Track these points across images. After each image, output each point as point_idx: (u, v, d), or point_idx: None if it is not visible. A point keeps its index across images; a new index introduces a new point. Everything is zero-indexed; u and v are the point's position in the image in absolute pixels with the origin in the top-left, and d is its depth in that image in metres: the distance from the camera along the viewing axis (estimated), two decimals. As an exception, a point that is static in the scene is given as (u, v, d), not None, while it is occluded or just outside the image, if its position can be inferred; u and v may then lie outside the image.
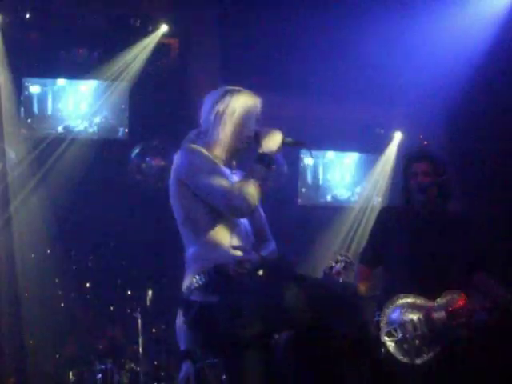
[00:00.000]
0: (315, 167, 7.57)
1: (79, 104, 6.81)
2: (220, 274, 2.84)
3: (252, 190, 2.84)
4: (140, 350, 5.73)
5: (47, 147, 6.60)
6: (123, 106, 6.81)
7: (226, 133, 3.05)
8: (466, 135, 6.58)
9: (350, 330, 2.71)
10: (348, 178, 7.75)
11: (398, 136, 7.60)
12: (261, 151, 2.95)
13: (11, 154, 6.48)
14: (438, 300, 4.06)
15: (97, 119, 6.80)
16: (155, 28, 6.93)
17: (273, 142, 2.99)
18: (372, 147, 7.59)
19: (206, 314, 2.83)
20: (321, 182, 7.63)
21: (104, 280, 6.84)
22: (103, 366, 5.68)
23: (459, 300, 4.05)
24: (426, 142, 6.77)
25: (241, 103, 3.10)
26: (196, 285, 2.88)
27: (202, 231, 2.94)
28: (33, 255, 6.67)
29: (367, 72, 6.64)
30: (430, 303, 4.01)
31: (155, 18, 6.96)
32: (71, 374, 5.71)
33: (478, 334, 4.12)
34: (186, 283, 2.93)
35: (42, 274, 6.60)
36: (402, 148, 7.40)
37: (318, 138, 6.57)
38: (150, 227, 6.68)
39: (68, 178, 6.54)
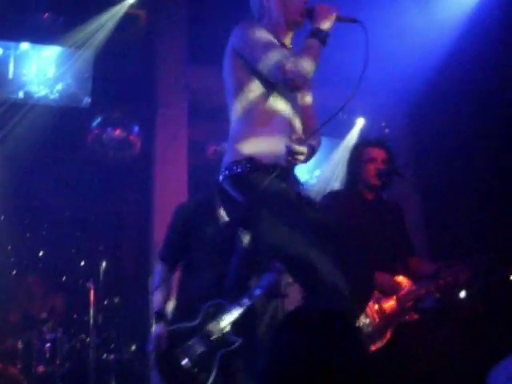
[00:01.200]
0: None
1: (42, 69, 6.67)
2: (254, 169, 2.84)
3: (307, 64, 2.83)
4: (91, 320, 5.71)
5: (7, 111, 6.48)
6: (87, 75, 6.69)
7: (279, 9, 3.05)
8: (427, 126, 6.66)
9: None
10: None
11: (360, 122, 7.64)
12: (316, 26, 2.93)
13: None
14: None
15: (59, 86, 6.69)
16: (124, -2, 6.83)
17: (327, 16, 2.97)
18: (334, 131, 7.61)
19: (246, 183, 2.85)
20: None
21: (58, 249, 6.78)
22: (53, 335, 5.64)
23: (405, 285, 4.12)
24: (387, 130, 6.82)
25: None
26: (235, 169, 2.88)
27: (252, 108, 2.92)
28: (-14, 221, 6.56)
29: (333, 59, 6.65)
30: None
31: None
32: (20, 341, 5.65)
33: (425, 318, 4.22)
34: (229, 158, 2.92)
35: (-5, 240, 6.51)
36: (363, 134, 7.45)
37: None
38: (108, 198, 6.63)
39: (27, 144, 6.41)
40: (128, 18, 6.91)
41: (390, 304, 4.05)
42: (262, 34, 2.94)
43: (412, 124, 7.29)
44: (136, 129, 6.60)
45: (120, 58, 6.86)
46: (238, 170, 2.86)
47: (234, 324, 3.60)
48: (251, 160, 2.85)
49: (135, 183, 6.71)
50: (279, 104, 2.95)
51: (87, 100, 6.67)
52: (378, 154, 4.24)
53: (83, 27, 6.66)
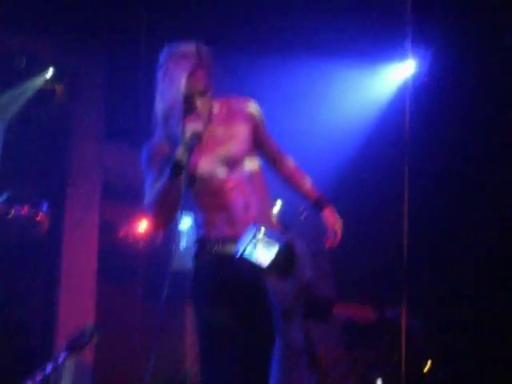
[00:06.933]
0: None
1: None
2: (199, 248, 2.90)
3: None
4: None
5: None
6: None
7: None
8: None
9: None
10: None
11: (278, 203, 7.65)
12: None
13: None
14: None
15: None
16: (41, 71, 6.65)
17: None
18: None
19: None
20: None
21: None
22: None
23: None
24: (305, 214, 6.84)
25: None
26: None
27: (196, 206, 2.90)
28: None
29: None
30: None
31: (42, 60, 6.71)
32: None
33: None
34: None
35: None
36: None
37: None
38: (11, 280, 6.33)
39: None
40: (44, 93, 6.73)
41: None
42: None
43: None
44: (44, 206, 6.36)
45: (33, 133, 6.66)
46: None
47: None
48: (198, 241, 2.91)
49: (41, 265, 6.47)
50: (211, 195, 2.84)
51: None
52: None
53: (-4, 99, 6.48)
